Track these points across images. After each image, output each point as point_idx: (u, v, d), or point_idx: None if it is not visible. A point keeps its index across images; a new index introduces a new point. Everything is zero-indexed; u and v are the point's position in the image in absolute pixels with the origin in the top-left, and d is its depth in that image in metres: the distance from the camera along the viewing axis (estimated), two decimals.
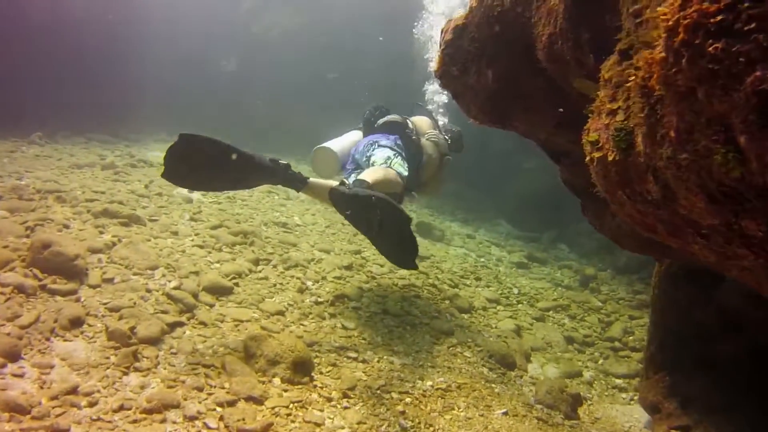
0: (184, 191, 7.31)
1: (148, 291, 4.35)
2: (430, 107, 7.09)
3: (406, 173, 5.04)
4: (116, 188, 6.68)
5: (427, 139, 5.79)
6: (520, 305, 6.91)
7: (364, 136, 5.68)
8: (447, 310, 5.93)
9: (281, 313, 4.73)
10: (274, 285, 5.22)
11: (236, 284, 4.96)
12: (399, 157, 5.14)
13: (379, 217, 4.09)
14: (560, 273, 9.08)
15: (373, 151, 5.19)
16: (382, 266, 6.60)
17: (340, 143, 5.58)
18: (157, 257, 4.91)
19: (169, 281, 4.59)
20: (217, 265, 5.22)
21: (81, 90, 10.91)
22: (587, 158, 1.79)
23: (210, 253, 5.43)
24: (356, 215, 4.27)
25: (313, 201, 8.39)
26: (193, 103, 13.23)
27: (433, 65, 3.07)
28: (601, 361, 6.04)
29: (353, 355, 4.40)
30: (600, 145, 1.65)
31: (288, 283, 5.34)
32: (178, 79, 13.14)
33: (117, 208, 5.69)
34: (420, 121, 6.00)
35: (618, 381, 5.71)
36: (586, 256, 10.59)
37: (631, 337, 6.58)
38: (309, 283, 5.47)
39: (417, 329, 5.26)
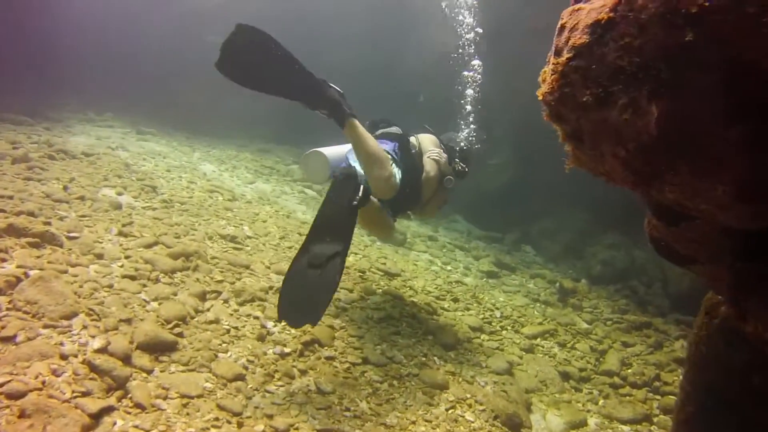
0: (111, 193, 6.09)
1: (63, 358, 3.17)
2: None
3: (398, 181, 4.65)
4: (27, 191, 5.38)
5: (428, 157, 5.24)
6: (504, 332, 6.10)
7: None
8: (433, 351, 4.97)
9: (241, 377, 3.63)
10: (228, 331, 4.11)
11: (180, 335, 3.82)
12: (394, 163, 4.68)
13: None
14: (533, 284, 8.36)
15: None
16: (350, 291, 5.59)
17: (335, 149, 5.00)
18: (75, 299, 3.72)
19: (92, 338, 3.42)
20: (155, 305, 4.06)
21: None
22: None
23: (145, 286, 4.26)
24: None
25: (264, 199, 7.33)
26: (125, 77, 11.88)
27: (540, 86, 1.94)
28: (601, 402, 5.31)
29: None
30: None
31: (244, 327, 4.24)
32: (109, 48, 11.74)
33: (26, 222, 4.45)
34: (424, 139, 5.47)
35: (626, 429, 5.02)
36: (554, 260, 9.96)
37: (629, 371, 5.88)
38: (270, 325, 4.38)
39: (406, 384, 4.27)
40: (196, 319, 4.08)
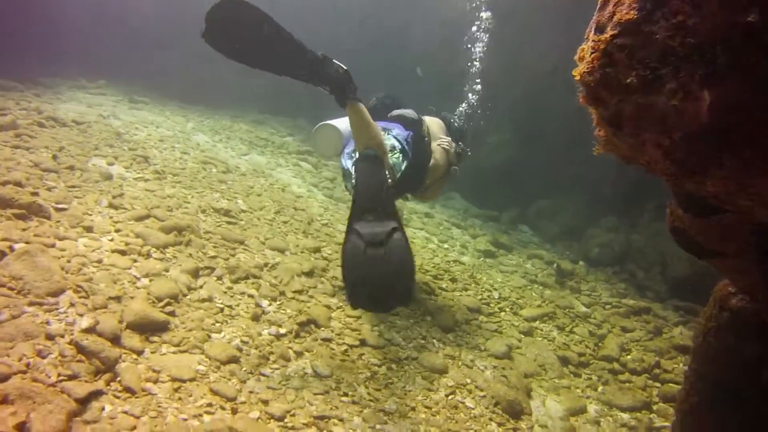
0: (101, 163, 5.89)
1: (49, 339, 3.01)
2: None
3: (397, 174, 4.52)
4: (15, 159, 5.18)
5: (438, 145, 5.26)
6: (503, 314, 5.95)
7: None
8: (431, 333, 4.84)
9: (235, 359, 3.48)
10: (221, 310, 3.95)
11: (172, 314, 3.66)
12: (402, 155, 4.57)
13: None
14: (531, 264, 8.21)
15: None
16: None
17: (345, 123, 4.73)
18: (62, 275, 3.55)
19: (80, 317, 3.26)
20: (146, 281, 3.89)
21: None
22: None
23: (135, 261, 4.09)
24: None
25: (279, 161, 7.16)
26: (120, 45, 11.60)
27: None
28: (601, 388, 5.17)
29: (338, 429, 3.23)
30: None
31: (238, 306, 4.09)
32: (104, 14, 11.46)
33: (12, 192, 4.25)
34: (432, 123, 5.45)
35: (625, 416, 4.85)
36: (551, 241, 9.84)
37: (628, 357, 5.74)
38: (265, 304, 4.23)
39: (404, 368, 4.14)
40: (188, 297, 3.93)
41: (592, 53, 1.62)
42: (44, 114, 7.10)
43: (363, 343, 4.26)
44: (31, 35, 10.73)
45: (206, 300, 3.97)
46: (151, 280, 3.90)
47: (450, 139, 5.49)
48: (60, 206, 4.52)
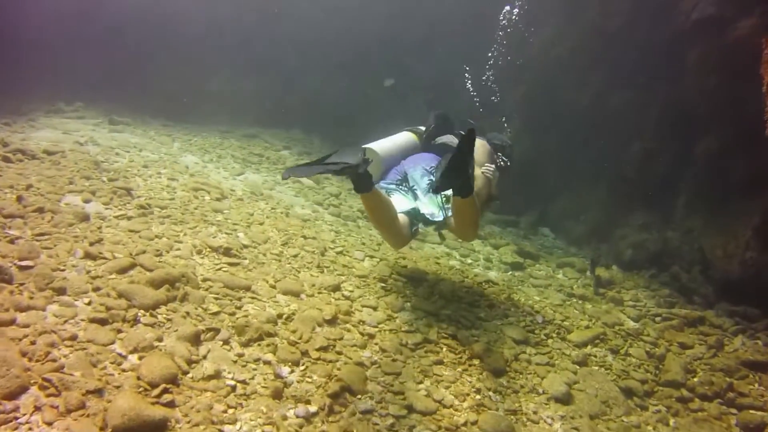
0: (77, 200, 5.07)
1: None
2: None
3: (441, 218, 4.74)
4: None
5: (482, 173, 5.00)
6: (551, 341, 5.21)
7: (423, 149, 5.27)
8: (485, 383, 4.07)
9: None
10: (233, 389, 3.13)
11: (170, 404, 2.83)
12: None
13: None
14: (562, 274, 7.47)
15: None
16: (374, 309, 4.64)
17: (388, 147, 5.08)
18: (24, 366, 2.72)
19: (48, 426, 2.43)
20: (134, 359, 3.07)
21: None
22: None
23: (120, 333, 3.26)
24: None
25: (259, 196, 6.35)
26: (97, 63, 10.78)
27: None
28: (672, 422, 4.44)
29: None
30: None
31: (254, 379, 3.26)
32: (79, 33, 10.66)
33: None
34: (478, 148, 4.99)
35: None
36: (576, 243, 9.09)
37: (695, 380, 4.99)
38: (286, 372, 3.41)
39: None
40: (190, 375, 3.10)
41: None
42: (10, 147, 6.25)
43: (410, 409, 3.46)
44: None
45: (213, 377, 3.14)
46: (141, 358, 3.07)
47: (494, 166, 5.15)
48: (24, 263, 3.69)
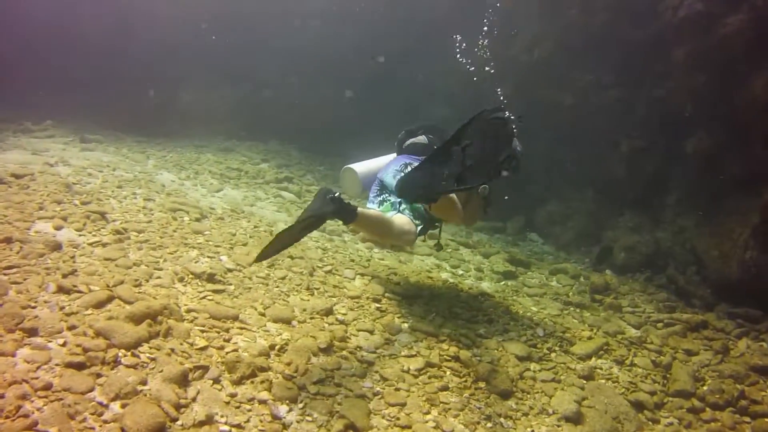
0: (47, 228, 4.77)
1: None
2: None
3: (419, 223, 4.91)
4: None
5: None
6: (554, 355, 5.01)
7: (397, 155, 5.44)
8: (494, 408, 3.84)
9: None
10: None
11: None
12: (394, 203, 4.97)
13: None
14: (556, 281, 7.29)
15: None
16: (371, 333, 4.39)
17: (368, 165, 5.41)
18: None
19: None
20: (116, 408, 2.78)
21: None
22: None
23: (99, 377, 2.97)
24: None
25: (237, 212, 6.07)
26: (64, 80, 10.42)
27: None
28: None
29: None
30: None
31: (249, 422, 2.99)
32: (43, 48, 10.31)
33: None
34: None
35: None
36: (565, 248, 8.92)
37: (704, 388, 4.81)
38: (283, 412, 3.14)
39: None
40: (179, 423, 2.81)
41: None
42: None
43: None
44: None
45: (205, 422, 2.86)
46: (123, 406, 2.78)
47: None
48: None
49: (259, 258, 3.75)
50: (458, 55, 7.45)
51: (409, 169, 4.52)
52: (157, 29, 11.46)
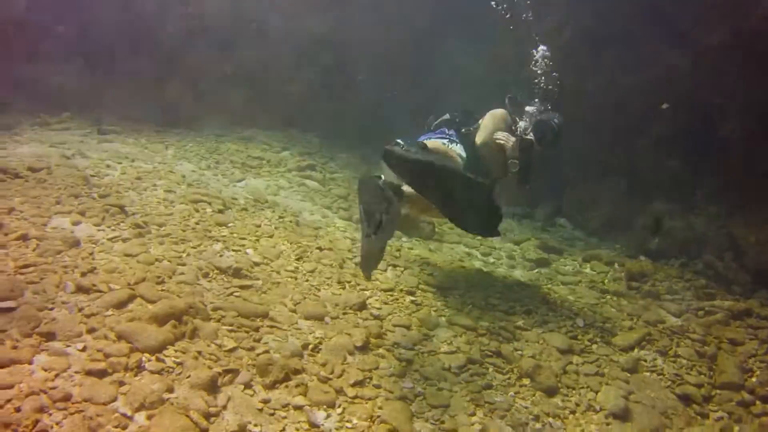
0: (65, 223, 4.57)
1: None
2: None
3: (464, 154, 4.80)
4: None
5: (494, 139, 5.09)
6: (595, 347, 4.80)
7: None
8: (540, 407, 3.64)
9: None
10: None
11: None
12: (454, 143, 4.85)
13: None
14: (590, 268, 7.05)
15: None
16: (407, 329, 4.16)
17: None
18: None
19: None
20: (142, 419, 2.58)
21: None
22: None
23: (121, 386, 2.76)
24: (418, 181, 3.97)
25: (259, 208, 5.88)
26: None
27: None
28: (737, 429, 4.03)
29: None
30: None
31: (284, 431, 2.75)
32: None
33: None
34: (490, 118, 5.22)
35: None
36: (596, 234, 8.62)
37: (753, 379, 4.58)
38: (321, 418, 2.92)
39: None
40: None
41: None
42: None
43: None
44: None
45: None
46: (149, 417, 2.57)
47: (507, 134, 5.10)
48: (5, 304, 3.17)
49: (367, 276, 3.73)
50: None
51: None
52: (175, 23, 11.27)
